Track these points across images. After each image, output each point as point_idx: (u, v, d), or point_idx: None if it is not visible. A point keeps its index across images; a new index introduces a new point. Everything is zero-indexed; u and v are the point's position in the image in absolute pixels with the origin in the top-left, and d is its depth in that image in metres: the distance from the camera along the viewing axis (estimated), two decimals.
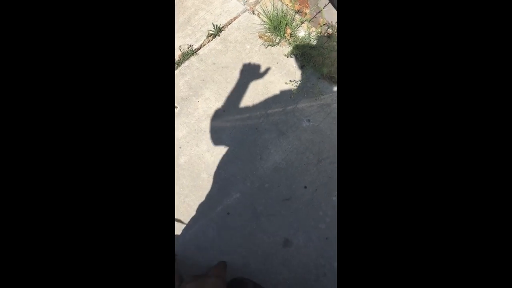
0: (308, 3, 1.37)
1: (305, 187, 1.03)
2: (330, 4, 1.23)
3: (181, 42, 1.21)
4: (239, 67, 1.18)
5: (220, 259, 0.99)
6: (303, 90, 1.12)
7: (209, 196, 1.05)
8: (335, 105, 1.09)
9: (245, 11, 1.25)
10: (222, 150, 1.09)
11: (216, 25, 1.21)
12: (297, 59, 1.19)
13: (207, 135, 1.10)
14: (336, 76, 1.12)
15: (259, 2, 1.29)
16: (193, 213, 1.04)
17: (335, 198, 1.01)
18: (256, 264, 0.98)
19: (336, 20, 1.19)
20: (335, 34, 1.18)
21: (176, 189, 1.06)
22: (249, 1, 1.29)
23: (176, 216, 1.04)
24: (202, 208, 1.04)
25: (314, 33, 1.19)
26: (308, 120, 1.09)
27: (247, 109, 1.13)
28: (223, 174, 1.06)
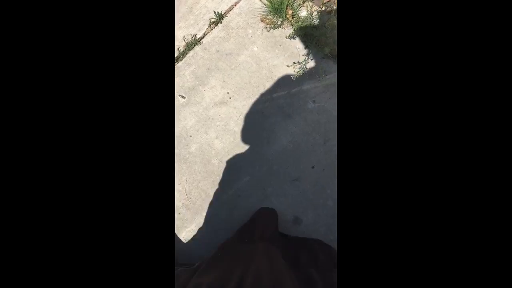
0: None
1: (313, 167, 1.06)
2: None
3: (184, 33, 1.23)
4: (242, 53, 1.18)
5: None
6: (307, 72, 1.11)
7: (220, 181, 1.10)
8: None
9: None
10: (230, 136, 1.12)
11: (218, 12, 1.21)
12: (300, 40, 1.17)
13: (215, 123, 1.14)
14: None
15: None
16: (207, 197, 1.10)
17: None
18: None
19: None
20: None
21: (190, 176, 1.12)
22: None
23: (191, 200, 1.10)
24: (215, 192, 1.09)
25: (316, 12, 1.16)
26: (314, 101, 1.09)
27: (252, 94, 1.15)
28: (233, 159, 1.11)
